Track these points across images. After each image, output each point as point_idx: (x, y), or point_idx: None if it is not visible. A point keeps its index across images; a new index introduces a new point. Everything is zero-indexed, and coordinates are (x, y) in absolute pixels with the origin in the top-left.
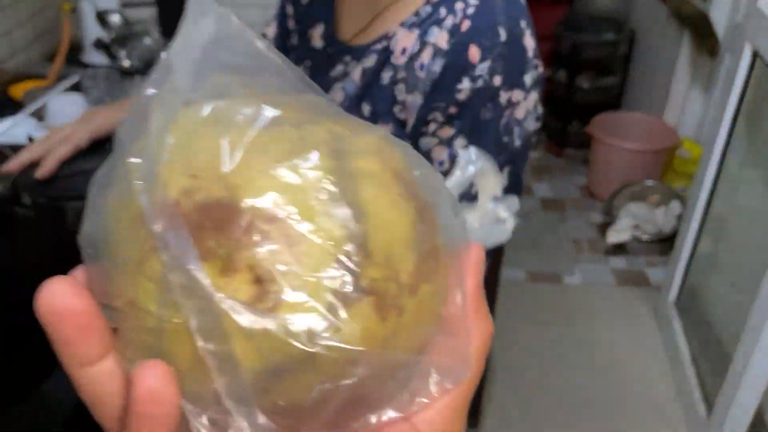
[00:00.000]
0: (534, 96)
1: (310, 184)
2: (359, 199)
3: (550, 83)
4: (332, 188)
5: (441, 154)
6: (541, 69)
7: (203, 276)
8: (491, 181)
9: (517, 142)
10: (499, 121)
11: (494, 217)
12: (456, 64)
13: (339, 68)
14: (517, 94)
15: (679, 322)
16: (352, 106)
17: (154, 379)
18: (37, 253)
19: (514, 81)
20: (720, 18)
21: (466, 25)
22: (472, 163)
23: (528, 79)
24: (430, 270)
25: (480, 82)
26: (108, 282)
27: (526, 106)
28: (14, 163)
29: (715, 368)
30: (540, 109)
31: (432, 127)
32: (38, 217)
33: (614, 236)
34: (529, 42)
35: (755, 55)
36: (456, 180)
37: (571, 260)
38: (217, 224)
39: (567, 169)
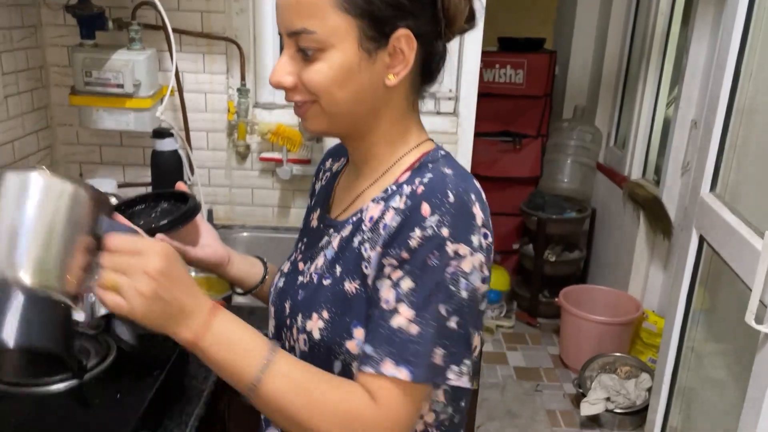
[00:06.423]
0: (481, 257)
1: None
2: None
3: (519, 256)
4: None
5: (389, 294)
6: (490, 240)
7: None
8: None
9: (464, 294)
10: (445, 269)
11: None
12: (410, 218)
13: (325, 239)
14: (463, 248)
15: None
16: (328, 268)
17: None
18: None
19: (460, 236)
20: (671, 202)
21: (420, 189)
22: None
23: (475, 240)
24: None
25: (429, 231)
26: None
27: (472, 261)
28: None
29: None
30: (487, 272)
31: (387, 270)
32: None
33: (587, 409)
34: (478, 212)
35: (702, 239)
36: None
37: None
38: None
39: (539, 339)
